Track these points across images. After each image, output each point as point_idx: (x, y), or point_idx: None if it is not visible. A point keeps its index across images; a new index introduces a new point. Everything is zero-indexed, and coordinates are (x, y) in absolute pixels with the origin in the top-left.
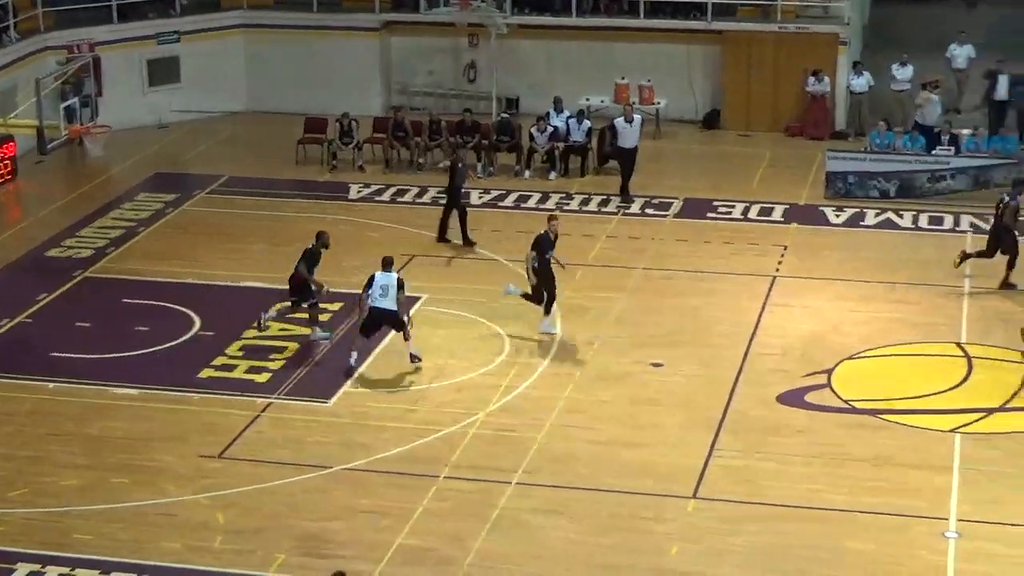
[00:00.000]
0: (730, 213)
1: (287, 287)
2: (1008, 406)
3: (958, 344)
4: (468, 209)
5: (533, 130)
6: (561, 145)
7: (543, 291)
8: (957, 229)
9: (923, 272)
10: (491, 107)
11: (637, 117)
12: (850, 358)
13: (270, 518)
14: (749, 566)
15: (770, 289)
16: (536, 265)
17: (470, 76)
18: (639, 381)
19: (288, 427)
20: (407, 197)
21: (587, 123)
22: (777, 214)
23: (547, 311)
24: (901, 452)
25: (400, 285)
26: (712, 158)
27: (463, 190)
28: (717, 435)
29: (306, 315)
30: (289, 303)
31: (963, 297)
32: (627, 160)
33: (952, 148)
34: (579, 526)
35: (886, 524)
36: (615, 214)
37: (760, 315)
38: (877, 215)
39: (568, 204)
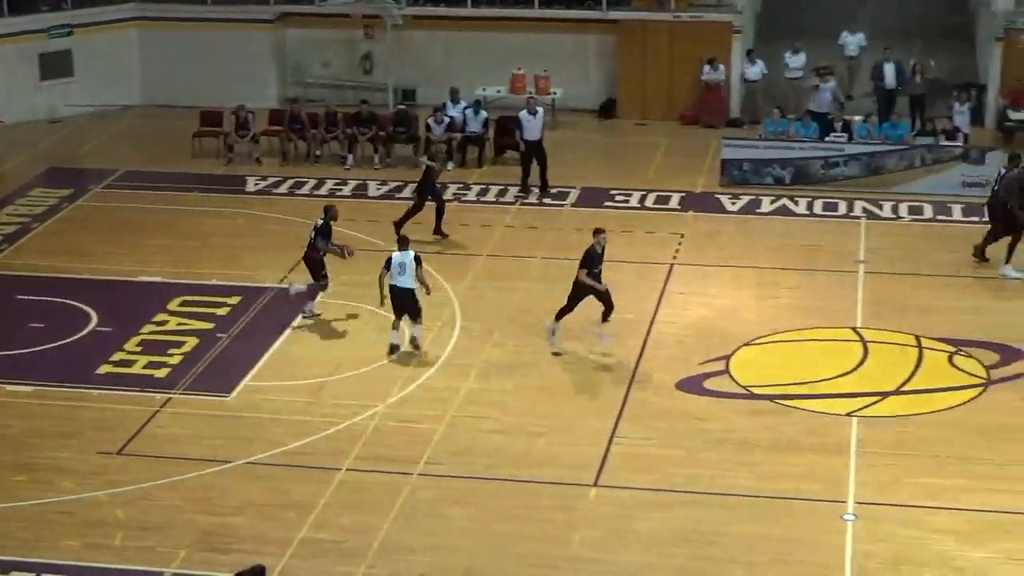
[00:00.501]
0: (627, 202)
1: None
2: (903, 389)
3: (853, 329)
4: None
5: (430, 121)
6: (458, 136)
7: (605, 300)
8: (851, 215)
9: (818, 258)
10: (388, 98)
11: (540, 109)
12: (747, 344)
13: (171, 514)
14: (651, 552)
15: (668, 277)
16: (585, 279)
17: (366, 67)
18: (539, 370)
19: (188, 422)
20: (304, 189)
21: (483, 113)
22: (674, 202)
23: (604, 319)
24: (799, 436)
25: (418, 261)
26: (608, 147)
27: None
28: (617, 423)
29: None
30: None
31: (858, 282)
32: (535, 152)
33: (845, 135)
34: (482, 516)
35: (785, 508)
36: (513, 204)
37: (658, 303)
38: (772, 202)
39: (466, 195)
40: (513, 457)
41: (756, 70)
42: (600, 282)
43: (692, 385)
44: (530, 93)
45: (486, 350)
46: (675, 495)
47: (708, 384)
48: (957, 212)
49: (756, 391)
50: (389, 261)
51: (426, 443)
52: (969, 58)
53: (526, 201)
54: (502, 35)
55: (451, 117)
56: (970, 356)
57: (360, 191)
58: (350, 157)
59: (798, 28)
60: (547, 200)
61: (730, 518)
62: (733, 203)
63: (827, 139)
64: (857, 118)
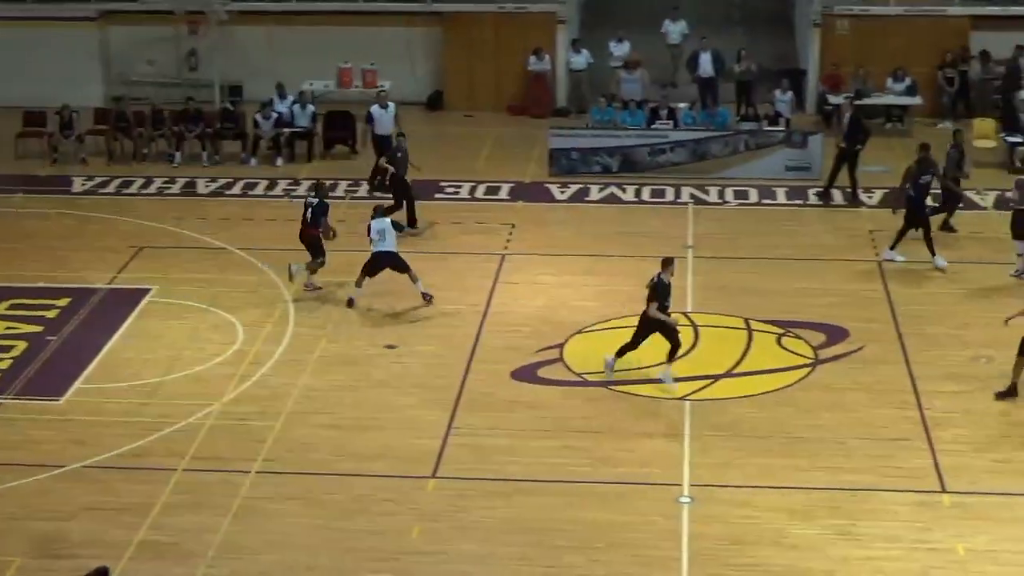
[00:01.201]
0: (457, 193)
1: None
2: (733, 372)
3: (685, 314)
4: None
5: (257, 117)
6: (286, 131)
7: (672, 337)
8: (679, 201)
9: (648, 244)
10: (214, 95)
11: (391, 104)
12: (580, 332)
13: (3, 521)
14: (490, 541)
15: (500, 267)
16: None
17: (191, 64)
18: (374, 364)
19: (19, 427)
20: (132, 188)
21: (311, 108)
22: (503, 192)
23: (670, 358)
24: (633, 422)
25: (396, 227)
26: (437, 139)
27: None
28: (454, 414)
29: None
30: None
31: (687, 267)
32: (387, 147)
33: (671, 122)
34: (321, 512)
35: (622, 493)
36: (343, 199)
37: (491, 293)
38: (601, 190)
39: (296, 190)
40: (350, 452)
41: (581, 59)
42: (669, 315)
43: (527, 374)
44: (381, 87)
45: (321, 346)
46: (513, 484)
47: (542, 372)
48: (781, 196)
49: (590, 378)
50: (369, 229)
51: (263, 441)
52: (789, 44)
53: (355, 195)
54: (328, 29)
55: (279, 112)
56: (798, 337)
57: (189, 188)
58: (178, 155)
59: (622, 17)
60: (377, 194)
61: (568, 505)
62: (562, 192)
63: (653, 127)
64: (682, 105)
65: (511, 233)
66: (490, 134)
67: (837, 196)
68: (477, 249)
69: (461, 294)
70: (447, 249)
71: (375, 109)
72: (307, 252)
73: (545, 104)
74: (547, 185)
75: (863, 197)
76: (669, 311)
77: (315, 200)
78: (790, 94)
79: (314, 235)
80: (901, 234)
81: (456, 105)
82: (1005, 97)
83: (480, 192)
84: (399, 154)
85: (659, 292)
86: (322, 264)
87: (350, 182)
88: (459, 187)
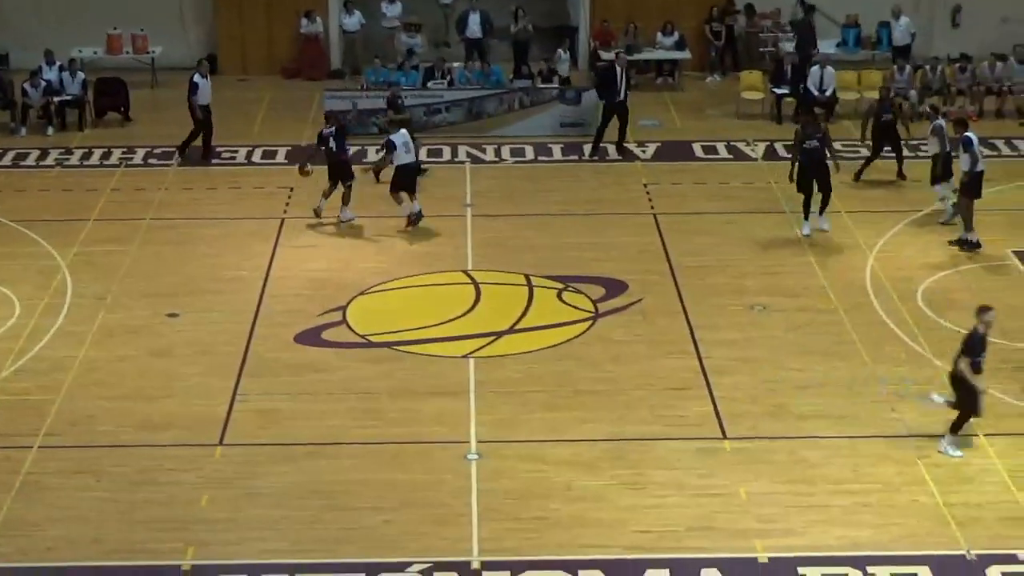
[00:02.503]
0: (234, 158)
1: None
2: (516, 328)
3: (465, 272)
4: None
5: (26, 86)
6: (56, 100)
7: (966, 403)
8: (456, 160)
9: (428, 204)
10: None
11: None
12: (363, 293)
13: None
14: (280, 506)
15: (280, 231)
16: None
17: None
18: (156, 333)
19: None
20: None
21: (80, 75)
22: (280, 156)
23: (954, 430)
24: (419, 381)
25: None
26: (212, 104)
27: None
28: (239, 380)
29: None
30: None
31: (467, 226)
32: (208, 117)
33: (445, 82)
34: (107, 484)
35: (411, 453)
36: (118, 167)
37: (272, 257)
38: (378, 151)
39: (68, 159)
40: (135, 423)
41: (354, 20)
42: (980, 375)
43: (311, 337)
44: (202, 59)
45: (100, 316)
46: (301, 448)
47: (326, 335)
48: (557, 152)
49: (374, 339)
50: (391, 145)
51: (44, 415)
52: (561, 2)
53: (131, 163)
54: None
55: (47, 81)
56: (578, 292)
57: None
58: None
59: None
60: (152, 160)
61: (357, 467)
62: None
63: (428, 86)
64: (456, 64)
65: (290, 197)
66: (265, 98)
67: (612, 152)
68: (256, 214)
69: (242, 259)
70: (226, 215)
71: (198, 78)
72: (335, 184)
73: (320, 66)
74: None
75: (637, 151)
76: (982, 367)
77: (332, 129)
78: (568, 54)
79: (344, 160)
80: (807, 204)
81: (230, 70)
82: (775, 52)
83: (257, 156)
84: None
85: (976, 346)
86: (352, 187)
87: (124, 149)
88: (235, 152)
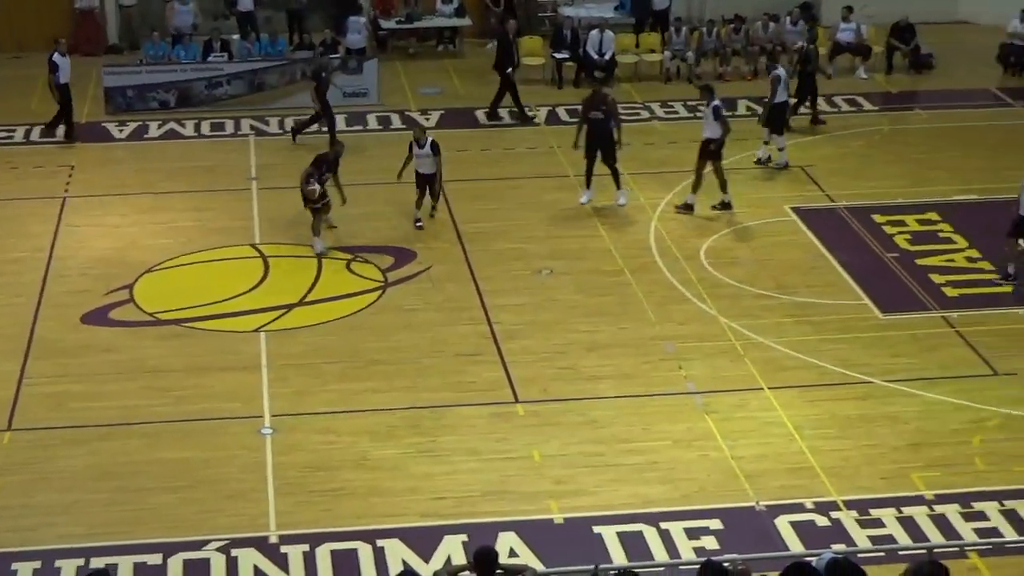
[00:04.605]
0: (11, 137)
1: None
2: (306, 300)
3: (253, 246)
4: None
5: None
6: None
7: None
8: (240, 133)
9: (212, 178)
10: None
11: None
12: (150, 271)
13: None
14: (71, 489)
15: (61, 210)
16: None
17: None
18: None
19: None
20: None
21: None
22: (60, 134)
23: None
24: (210, 357)
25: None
26: None
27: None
28: (25, 363)
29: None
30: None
31: (252, 199)
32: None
33: (225, 55)
34: None
35: (204, 429)
36: None
37: (54, 238)
38: (160, 126)
39: None
40: None
41: None
42: None
43: (98, 317)
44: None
45: None
46: (93, 430)
47: (113, 315)
48: (341, 122)
49: (162, 317)
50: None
51: None
52: None
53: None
54: None
55: None
56: (366, 262)
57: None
58: None
59: None
60: None
61: (151, 446)
62: (120, 131)
63: (208, 59)
64: (235, 37)
65: (71, 175)
66: (41, 75)
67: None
68: (36, 193)
69: (23, 240)
70: (4, 196)
71: (57, 56)
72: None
73: (96, 42)
74: (104, 124)
75: (421, 120)
76: None
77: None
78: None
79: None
80: (590, 171)
81: (4, 47)
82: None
83: (35, 135)
84: (324, 73)
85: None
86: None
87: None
88: (12, 131)
